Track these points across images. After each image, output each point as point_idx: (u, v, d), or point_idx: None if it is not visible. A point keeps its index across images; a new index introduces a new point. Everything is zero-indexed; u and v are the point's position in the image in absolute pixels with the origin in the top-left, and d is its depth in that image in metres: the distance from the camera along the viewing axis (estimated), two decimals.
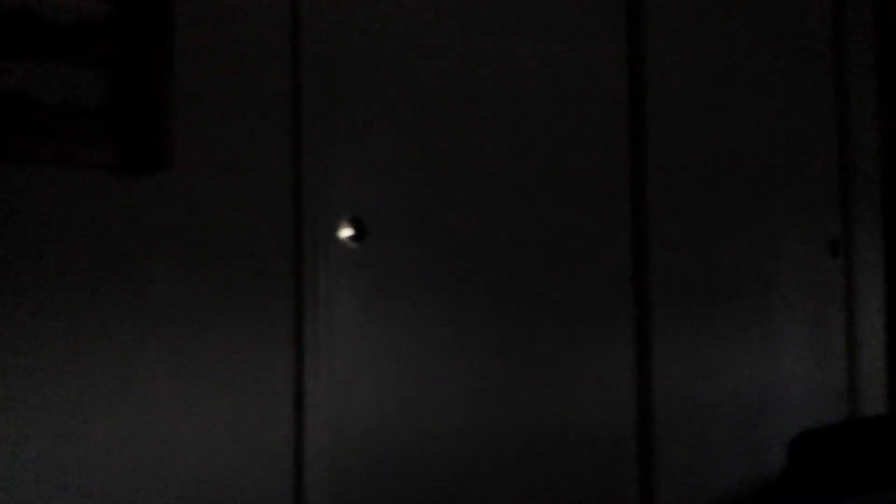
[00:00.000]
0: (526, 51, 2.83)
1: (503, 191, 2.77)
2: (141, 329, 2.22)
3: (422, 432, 2.59)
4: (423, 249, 2.63)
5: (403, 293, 2.59)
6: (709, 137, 3.20)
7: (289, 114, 2.43)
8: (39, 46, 2.07)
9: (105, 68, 2.13)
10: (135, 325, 2.22)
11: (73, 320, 2.15)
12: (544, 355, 2.82)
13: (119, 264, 2.21)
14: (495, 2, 2.78)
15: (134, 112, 2.15)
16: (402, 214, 2.61)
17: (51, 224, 2.13)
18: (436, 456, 2.62)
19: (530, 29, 2.84)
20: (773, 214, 3.34)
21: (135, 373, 2.21)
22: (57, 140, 2.08)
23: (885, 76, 3.65)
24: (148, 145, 2.16)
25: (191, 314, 2.29)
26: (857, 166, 3.54)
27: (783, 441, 3.11)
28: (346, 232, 2.51)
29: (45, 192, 2.12)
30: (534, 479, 2.77)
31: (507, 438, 2.73)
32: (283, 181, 2.42)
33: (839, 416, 3.38)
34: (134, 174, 2.19)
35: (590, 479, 2.87)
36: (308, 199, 2.43)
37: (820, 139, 3.49)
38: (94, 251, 2.18)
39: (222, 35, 2.35)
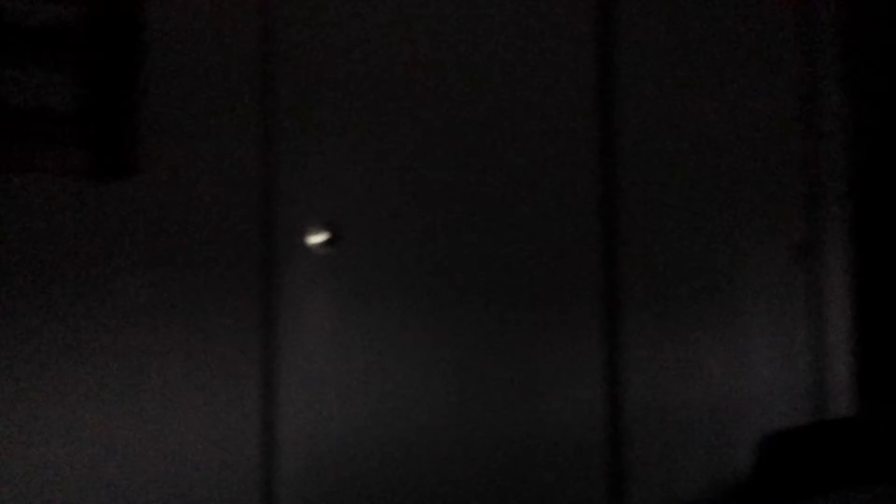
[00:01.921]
0: (498, 52, 2.82)
1: (476, 195, 2.76)
2: (108, 335, 2.20)
3: (395, 438, 2.59)
4: (397, 254, 2.62)
5: (376, 299, 2.58)
6: (676, 140, 3.20)
7: (259, 117, 2.41)
8: (8, 50, 2.04)
9: (75, 73, 2.11)
10: (102, 331, 2.20)
11: (39, 325, 2.13)
12: (516, 359, 2.81)
13: (87, 270, 2.18)
14: (466, 2, 2.77)
15: (103, 117, 2.13)
16: (375, 219, 2.59)
17: (19, 229, 2.11)
18: (408, 462, 2.61)
19: (502, 30, 2.83)
20: (740, 217, 3.35)
21: (101, 379, 2.19)
22: (26, 145, 2.05)
23: (852, 75, 3.67)
24: (117, 151, 2.14)
25: (159, 321, 2.27)
26: (825, 167, 3.56)
27: (752, 443, 3.13)
28: (317, 237, 2.49)
29: (14, 197, 2.09)
30: (505, 483, 2.77)
31: (480, 443, 2.73)
32: (253, 186, 2.40)
33: (807, 418, 3.40)
34: (103, 180, 2.16)
35: (560, 482, 2.88)
36: (279, 203, 2.42)
37: (787, 140, 3.51)
38: (62, 257, 2.15)
39: (192, 39, 2.33)
